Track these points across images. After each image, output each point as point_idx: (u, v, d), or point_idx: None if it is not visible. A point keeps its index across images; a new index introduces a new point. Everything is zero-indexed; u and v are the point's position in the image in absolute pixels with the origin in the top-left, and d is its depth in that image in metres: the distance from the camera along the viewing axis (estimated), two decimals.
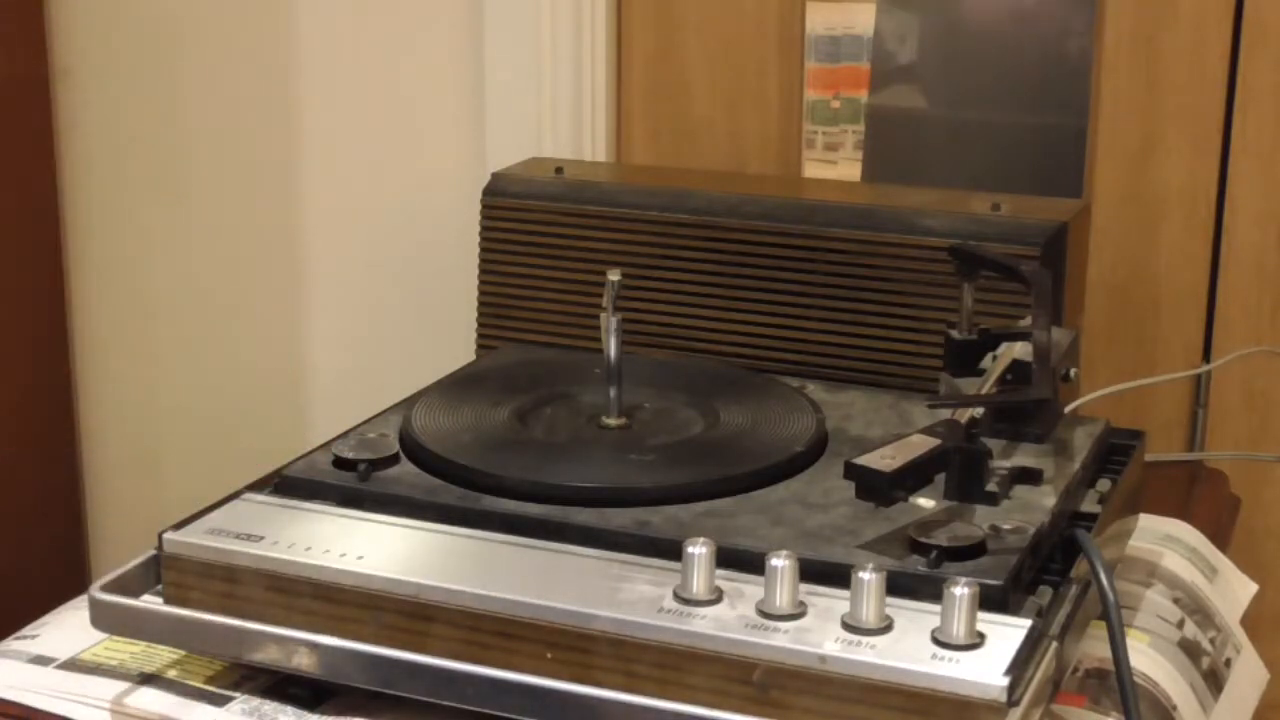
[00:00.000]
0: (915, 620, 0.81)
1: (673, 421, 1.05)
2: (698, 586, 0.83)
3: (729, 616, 0.82)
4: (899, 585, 0.83)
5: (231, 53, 1.61)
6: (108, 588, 0.90)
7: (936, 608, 0.80)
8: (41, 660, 0.96)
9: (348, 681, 0.86)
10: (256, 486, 0.98)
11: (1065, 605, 0.87)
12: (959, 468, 0.90)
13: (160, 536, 0.91)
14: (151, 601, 0.91)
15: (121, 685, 0.92)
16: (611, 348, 1.03)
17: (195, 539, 0.91)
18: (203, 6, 1.61)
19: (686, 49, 1.50)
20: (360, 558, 0.88)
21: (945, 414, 0.94)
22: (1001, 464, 0.95)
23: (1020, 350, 1.02)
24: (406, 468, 0.98)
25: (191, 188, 1.65)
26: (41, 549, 1.68)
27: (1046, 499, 0.93)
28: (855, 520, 0.90)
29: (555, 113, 1.49)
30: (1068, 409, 1.02)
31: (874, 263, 1.19)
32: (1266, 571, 1.31)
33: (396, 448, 1.00)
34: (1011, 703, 0.77)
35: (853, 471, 0.87)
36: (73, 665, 0.95)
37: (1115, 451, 1.08)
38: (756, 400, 1.08)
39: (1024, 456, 0.97)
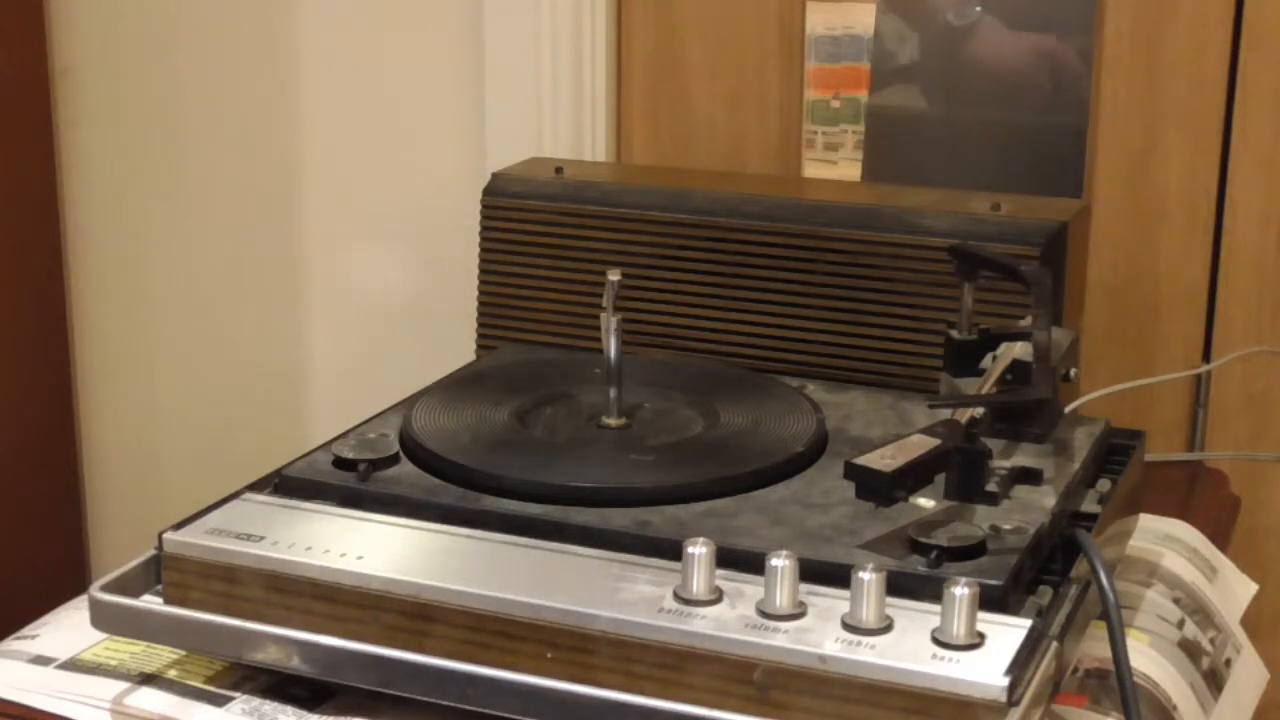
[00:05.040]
0: (915, 620, 0.81)
1: (673, 421, 1.05)
2: (698, 586, 0.83)
3: (729, 616, 0.82)
4: (899, 585, 0.83)
5: (231, 53, 1.61)
6: (108, 588, 0.90)
7: (936, 608, 0.81)
8: (41, 660, 0.96)
9: (348, 681, 0.86)
10: (256, 486, 0.98)
11: (1065, 605, 0.87)
12: (959, 468, 0.90)
13: (160, 536, 0.91)
14: (151, 601, 0.91)
15: (121, 685, 0.92)
16: (611, 348, 1.03)
17: (195, 539, 0.91)
18: (203, 6, 1.61)
19: (686, 49, 1.50)
20: (360, 558, 0.88)
21: (945, 414, 0.94)
22: (1001, 464, 0.95)
23: (1020, 350, 1.02)
24: (406, 468, 0.98)
25: (191, 188, 1.65)
26: (41, 549, 1.68)
27: (1046, 499, 0.93)
28: (855, 520, 0.90)
29: (555, 113, 1.49)
30: (1068, 409, 1.02)
31: (874, 263, 1.19)
32: (1266, 571, 1.31)
33: (396, 448, 1.00)
34: (1011, 703, 0.77)
35: (853, 471, 0.87)
36: (73, 665, 0.95)
37: (1115, 451, 1.08)
38: (756, 400, 1.08)
39: (1024, 456, 0.97)
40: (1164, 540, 1.18)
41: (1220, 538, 1.24)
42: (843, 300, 1.20)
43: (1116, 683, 0.87)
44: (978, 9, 1.36)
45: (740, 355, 1.23)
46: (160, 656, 0.94)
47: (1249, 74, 1.34)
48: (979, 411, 0.95)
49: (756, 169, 1.49)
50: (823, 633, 0.80)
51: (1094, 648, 0.95)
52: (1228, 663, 1.10)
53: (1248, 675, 1.12)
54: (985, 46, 1.37)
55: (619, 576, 0.86)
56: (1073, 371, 1.06)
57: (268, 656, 0.87)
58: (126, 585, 0.91)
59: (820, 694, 0.79)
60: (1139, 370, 1.39)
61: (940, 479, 0.90)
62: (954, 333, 1.07)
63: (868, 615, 0.80)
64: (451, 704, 0.83)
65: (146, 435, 1.73)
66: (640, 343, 1.23)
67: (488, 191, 1.31)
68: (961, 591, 0.79)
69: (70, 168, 1.68)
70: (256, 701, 0.90)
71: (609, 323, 1.02)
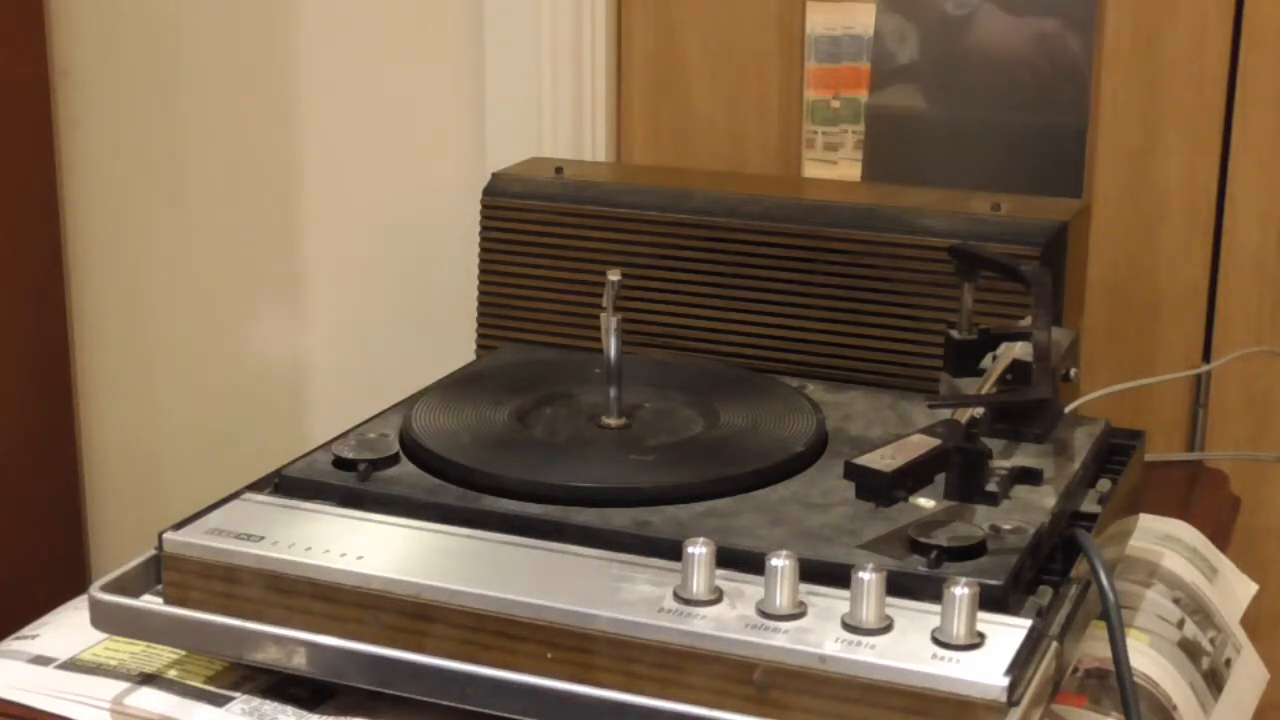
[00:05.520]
0: (915, 620, 0.81)
1: (673, 421, 1.05)
2: (698, 586, 0.83)
3: (729, 616, 0.82)
4: (899, 585, 0.83)
5: (231, 53, 1.61)
6: (108, 588, 0.90)
7: (936, 608, 0.81)
8: (41, 660, 0.96)
9: (348, 681, 0.86)
10: (256, 486, 0.98)
11: (1065, 605, 0.87)
12: (959, 468, 0.90)
13: (160, 536, 0.91)
14: (151, 601, 0.91)
15: (121, 685, 0.92)
16: (611, 348, 1.03)
17: (195, 539, 0.91)
18: (203, 6, 1.61)
19: (686, 49, 1.50)
20: (360, 558, 0.88)
21: (945, 414, 0.94)
22: (1001, 464, 0.95)
23: (1020, 350, 1.02)
24: (406, 468, 0.98)
25: (191, 188, 1.65)
26: (41, 549, 1.68)
27: (1046, 499, 0.93)
28: (855, 520, 0.90)
29: (555, 113, 1.49)
30: (1068, 409, 1.02)
31: (874, 263, 1.19)
32: (1266, 571, 1.31)
33: (396, 448, 1.00)
34: (1011, 703, 0.77)
35: (853, 471, 0.87)
36: (73, 665, 0.95)
37: (1115, 451, 1.08)
38: (756, 400, 1.08)
39: (1024, 456, 0.97)
40: (1164, 540, 1.18)
41: (1220, 538, 1.24)
42: (843, 300, 1.20)
43: (1116, 683, 0.87)
44: None
45: (740, 355, 1.23)
46: (160, 656, 0.94)
47: (1249, 74, 1.34)
48: (979, 411, 0.95)
49: (756, 169, 1.49)
50: (823, 633, 0.80)
51: (1094, 648, 0.95)
52: (1228, 663, 1.10)
53: (1248, 675, 1.12)
54: (985, 35, 1.37)
55: (619, 576, 0.86)
56: (1073, 371, 1.06)
57: (268, 656, 0.87)
58: (126, 585, 0.91)
59: (820, 694, 0.79)
60: (1139, 370, 1.39)
61: (940, 479, 0.90)
62: (954, 333, 1.07)
63: (868, 615, 0.80)
64: (451, 704, 0.83)
65: (146, 435, 1.73)
66: (640, 343, 1.23)
67: (488, 191, 1.31)
68: (961, 591, 0.79)
69: (70, 168, 1.68)
70: (256, 701, 0.90)
71: (609, 323, 1.02)
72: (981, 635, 0.80)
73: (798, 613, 0.82)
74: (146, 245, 1.68)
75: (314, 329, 1.65)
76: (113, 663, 0.94)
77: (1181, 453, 1.40)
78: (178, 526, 0.92)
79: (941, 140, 1.41)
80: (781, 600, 0.82)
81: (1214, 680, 1.07)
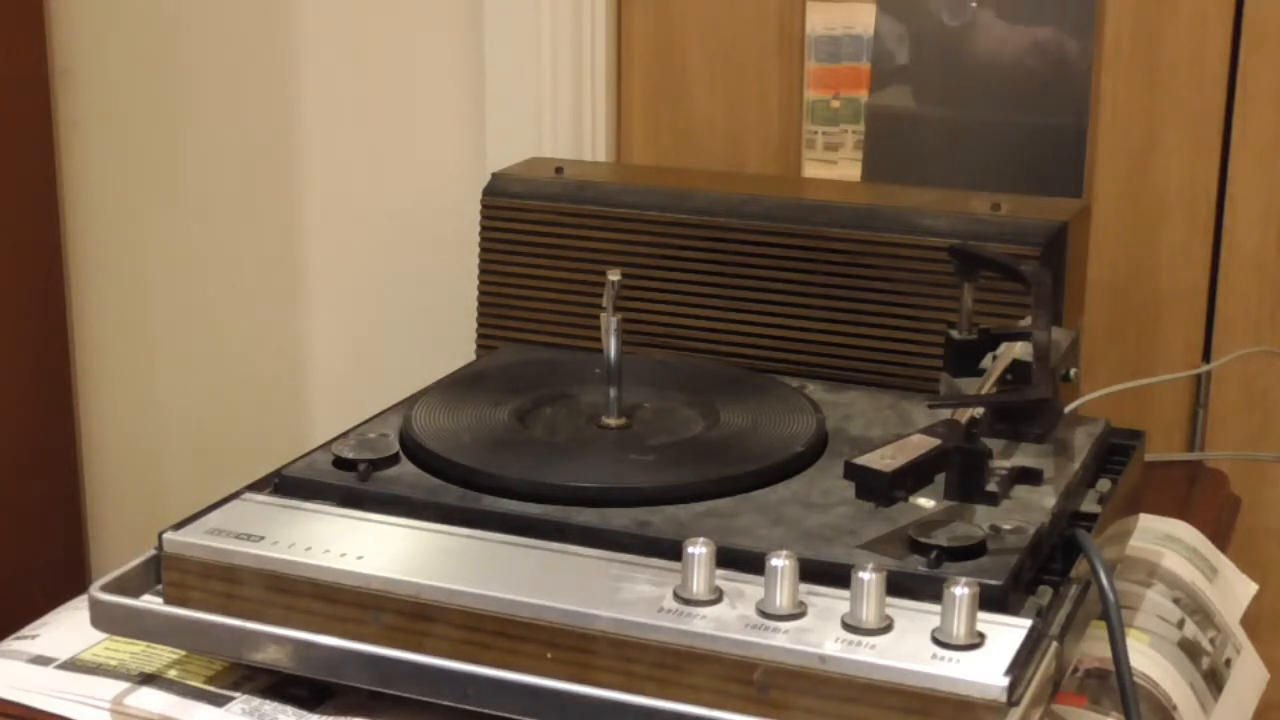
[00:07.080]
0: (915, 620, 0.81)
1: (673, 421, 1.05)
2: (698, 586, 0.83)
3: (729, 616, 0.82)
4: (899, 585, 0.83)
5: (231, 53, 1.61)
6: (108, 588, 0.90)
7: (936, 608, 0.81)
8: (41, 660, 0.96)
9: (348, 681, 0.86)
10: (256, 486, 0.98)
11: (1065, 605, 0.87)
12: (959, 468, 0.90)
13: (160, 536, 0.91)
14: (151, 601, 0.91)
15: (121, 685, 0.92)
16: (611, 348, 1.03)
17: (195, 539, 0.91)
18: (202, 6, 1.61)
19: (686, 49, 1.50)
20: (360, 558, 0.88)
21: (945, 414, 0.94)
22: (1001, 464, 0.95)
23: (1020, 350, 1.02)
24: (406, 468, 0.98)
25: (191, 187, 1.65)
26: (41, 549, 1.68)
27: (1046, 499, 0.93)
28: (855, 520, 0.90)
29: (555, 113, 1.49)
30: (1068, 409, 1.02)
31: (874, 263, 1.20)
32: (1266, 571, 1.31)
33: (396, 448, 1.00)
34: (1011, 703, 0.77)
35: (853, 471, 0.87)
36: (73, 665, 0.95)
37: (1115, 451, 1.08)
38: (756, 400, 1.08)
39: (1024, 456, 0.97)
40: (1164, 540, 1.18)
41: (1220, 538, 1.24)
42: (843, 300, 1.20)
43: (1116, 683, 0.87)
44: (973, 4, 1.36)
45: (740, 355, 1.23)
46: (160, 656, 0.94)
47: (1249, 74, 1.34)
48: (979, 411, 0.95)
49: (756, 169, 1.49)
50: (823, 633, 0.80)
51: (1094, 648, 0.95)
52: (1228, 663, 1.10)
53: (1248, 675, 1.12)
54: (985, 34, 1.37)
55: (619, 576, 0.86)
56: (1073, 371, 1.06)
57: (268, 656, 0.87)
58: (126, 585, 0.91)
59: (820, 694, 0.79)
60: (1139, 370, 1.39)
61: (940, 479, 0.90)
62: (954, 333, 1.07)
63: (868, 615, 0.80)
64: (451, 704, 0.83)
65: (146, 435, 1.73)
66: (640, 343, 1.23)
67: (488, 191, 1.31)
68: (961, 591, 0.79)
69: (70, 168, 1.68)
70: (256, 701, 0.90)
71: (609, 323, 1.02)
72: (981, 635, 0.80)
73: (798, 613, 0.82)
74: (146, 245, 1.68)
75: (314, 329, 1.65)
76: (113, 663, 0.94)
77: (1181, 453, 1.40)
78: (178, 526, 0.92)
79: (941, 140, 1.41)
80: (781, 600, 0.82)
81: (1214, 680, 1.07)
